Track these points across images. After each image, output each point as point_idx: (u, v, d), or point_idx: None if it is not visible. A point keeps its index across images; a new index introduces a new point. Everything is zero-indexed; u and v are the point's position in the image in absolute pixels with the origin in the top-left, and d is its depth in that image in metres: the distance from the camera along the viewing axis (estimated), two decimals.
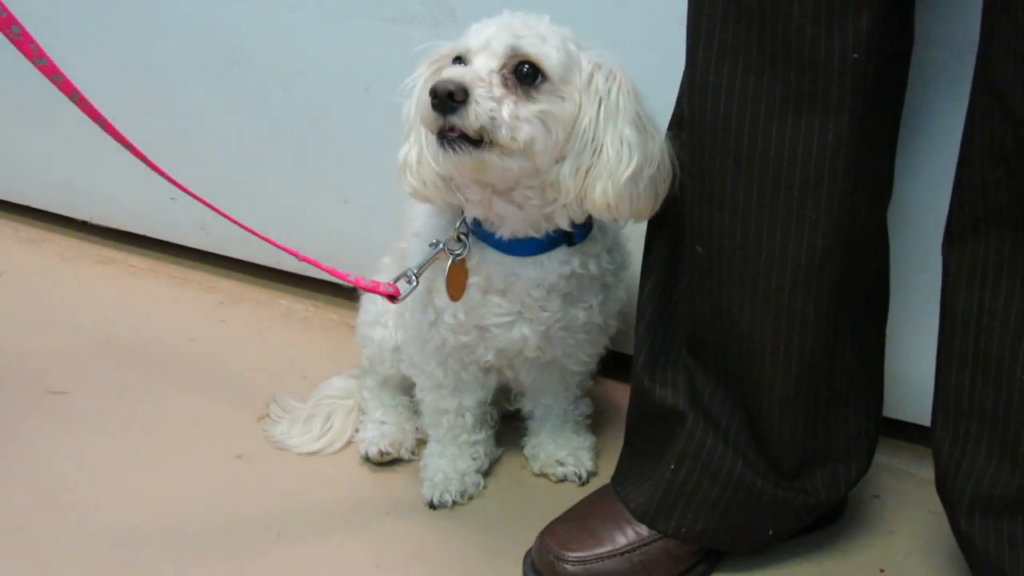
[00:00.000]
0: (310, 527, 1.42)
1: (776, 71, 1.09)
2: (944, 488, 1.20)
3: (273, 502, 1.46)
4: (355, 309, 1.61)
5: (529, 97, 1.15)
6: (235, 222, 1.30)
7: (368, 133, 1.81)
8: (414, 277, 1.28)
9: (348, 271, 1.34)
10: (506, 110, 1.12)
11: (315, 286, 2.04)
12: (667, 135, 1.26)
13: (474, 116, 1.10)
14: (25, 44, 1.10)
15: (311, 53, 1.81)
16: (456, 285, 1.28)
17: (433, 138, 1.13)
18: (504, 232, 1.26)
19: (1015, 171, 1.04)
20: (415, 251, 1.34)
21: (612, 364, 1.56)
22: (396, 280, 1.29)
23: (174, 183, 1.24)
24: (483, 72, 1.13)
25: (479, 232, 1.28)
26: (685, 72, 1.18)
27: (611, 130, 1.18)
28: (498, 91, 1.13)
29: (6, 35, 1.09)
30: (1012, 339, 1.10)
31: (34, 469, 1.54)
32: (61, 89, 1.14)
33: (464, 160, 1.13)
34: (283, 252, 1.33)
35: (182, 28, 1.93)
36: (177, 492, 1.49)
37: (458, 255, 1.27)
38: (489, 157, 1.13)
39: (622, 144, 1.18)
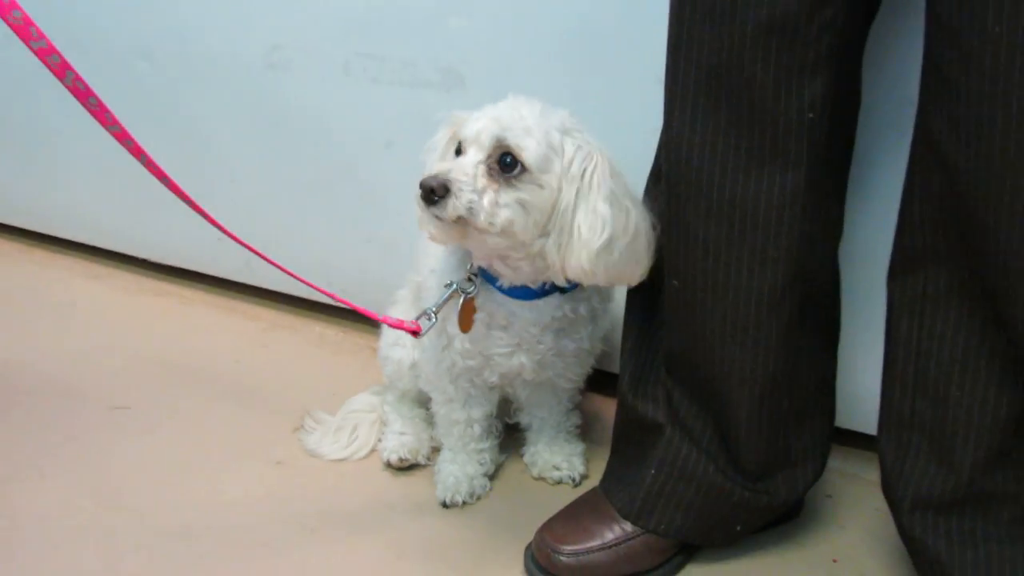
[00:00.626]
0: (340, 524, 1.41)
1: (742, 129, 1.09)
2: (888, 489, 1.19)
3: (308, 503, 1.46)
4: (378, 334, 1.61)
5: (510, 184, 1.14)
6: (279, 267, 1.31)
7: (389, 182, 1.82)
8: (433, 315, 1.27)
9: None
10: (487, 199, 1.12)
11: (344, 315, 2.03)
12: (644, 198, 1.26)
13: (452, 208, 1.11)
14: (100, 113, 1.10)
15: (340, 114, 1.82)
16: (466, 319, 1.29)
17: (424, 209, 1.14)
18: (504, 283, 1.27)
19: (950, 213, 1.04)
20: (433, 286, 1.34)
21: (598, 381, 1.55)
22: (418, 318, 1.29)
23: (227, 233, 1.24)
24: (470, 166, 1.13)
25: (485, 275, 1.28)
26: (663, 130, 1.19)
27: (583, 206, 1.16)
28: (482, 181, 1.13)
29: (84, 106, 1.09)
30: (948, 361, 1.09)
31: (99, 474, 1.53)
32: (131, 152, 1.13)
33: (449, 228, 1.14)
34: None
35: (231, 93, 1.94)
36: (224, 494, 1.48)
37: (468, 294, 1.27)
38: (470, 231, 1.14)
39: (596, 217, 1.15)
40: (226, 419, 1.68)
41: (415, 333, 1.30)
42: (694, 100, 1.11)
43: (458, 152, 1.19)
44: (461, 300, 1.27)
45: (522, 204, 1.14)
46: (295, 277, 1.31)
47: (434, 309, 1.27)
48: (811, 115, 1.07)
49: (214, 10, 1.88)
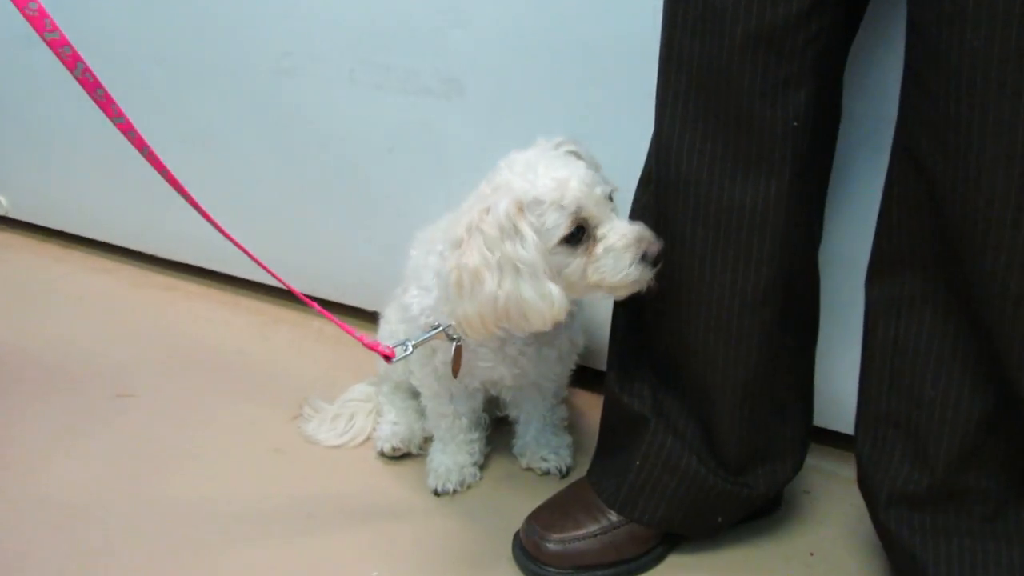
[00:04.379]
0: (335, 509, 1.39)
1: (728, 136, 1.08)
2: (865, 486, 1.17)
3: (305, 488, 1.44)
4: (373, 330, 1.59)
5: None
6: (276, 275, 1.31)
7: (390, 185, 1.80)
8: (411, 347, 1.25)
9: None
10: None
11: (342, 312, 2.00)
12: (633, 202, 1.25)
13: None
14: (107, 104, 1.08)
15: (345, 119, 1.80)
16: (457, 365, 1.27)
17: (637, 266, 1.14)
18: None
19: (927, 219, 1.03)
20: (421, 321, 1.30)
21: (584, 377, 1.54)
22: (396, 346, 1.25)
23: (218, 228, 1.21)
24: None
25: None
26: (653, 136, 1.17)
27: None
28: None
29: (92, 97, 1.07)
30: (922, 362, 1.08)
31: (103, 459, 1.51)
32: (134, 144, 1.11)
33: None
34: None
35: (241, 98, 1.92)
36: (226, 479, 1.47)
37: (458, 341, 1.25)
38: None
39: None
40: (228, 407, 1.66)
41: (387, 358, 1.26)
42: (683, 108, 1.10)
43: (580, 229, 1.13)
44: (453, 348, 1.25)
45: None
46: (288, 286, 1.29)
47: (413, 343, 1.25)
48: (795, 124, 1.06)
49: (226, 18, 1.86)
